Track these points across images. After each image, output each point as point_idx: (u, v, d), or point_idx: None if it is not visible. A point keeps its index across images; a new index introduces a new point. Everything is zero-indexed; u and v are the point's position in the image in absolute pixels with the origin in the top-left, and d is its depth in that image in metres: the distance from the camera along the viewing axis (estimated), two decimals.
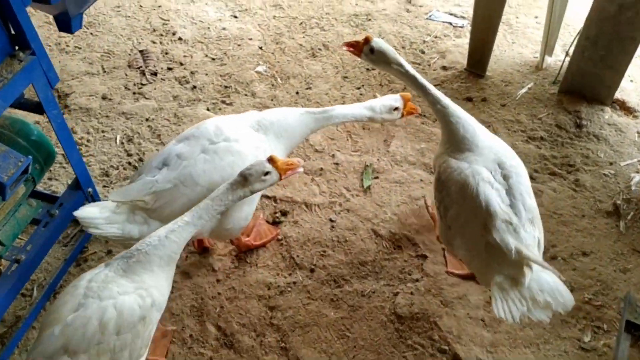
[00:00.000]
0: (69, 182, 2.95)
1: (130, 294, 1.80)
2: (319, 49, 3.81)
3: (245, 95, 3.50)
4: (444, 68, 3.66)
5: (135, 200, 2.07)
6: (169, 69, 3.68)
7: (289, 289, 2.56)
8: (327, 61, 3.72)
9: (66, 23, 2.29)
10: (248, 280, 2.58)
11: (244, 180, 1.98)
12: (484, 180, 2.02)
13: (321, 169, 3.04)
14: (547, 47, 3.51)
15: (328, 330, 2.42)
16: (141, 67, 3.68)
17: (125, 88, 3.55)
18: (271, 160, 2.03)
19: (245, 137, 2.23)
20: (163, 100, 3.48)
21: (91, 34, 3.95)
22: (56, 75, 2.16)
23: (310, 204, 2.87)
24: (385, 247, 2.70)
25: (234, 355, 2.35)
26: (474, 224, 2.02)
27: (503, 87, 3.50)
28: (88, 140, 3.22)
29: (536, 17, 4.04)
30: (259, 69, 3.68)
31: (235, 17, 4.11)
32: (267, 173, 2.00)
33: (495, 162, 2.09)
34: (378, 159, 3.09)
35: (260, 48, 3.83)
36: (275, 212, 2.84)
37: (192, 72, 3.65)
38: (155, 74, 3.64)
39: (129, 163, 3.10)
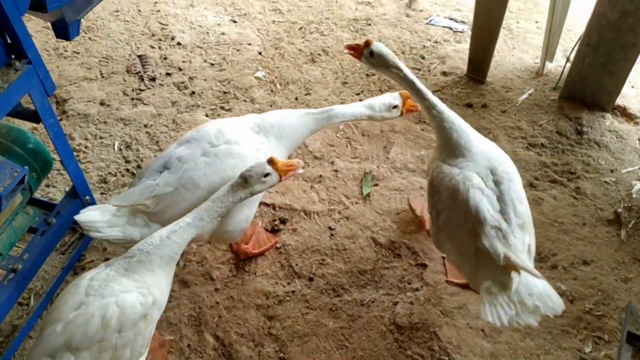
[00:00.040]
0: (67, 188, 2.94)
1: (132, 291, 1.81)
2: (319, 54, 3.79)
3: (244, 101, 3.48)
4: (444, 73, 3.64)
5: (136, 204, 2.06)
6: (168, 74, 3.66)
7: (288, 298, 2.54)
8: (327, 67, 3.71)
9: (64, 30, 2.28)
10: (246, 289, 2.56)
11: (245, 181, 1.99)
12: (475, 187, 2.02)
13: (320, 176, 3.02)
14: (548, 52, 3.50)
15: (327, 340, 2.41)
16: (140, 72, 3.66)
17: (124, 94, 3.54)
18: (271, 161, 2.04)
19: (246, 140, 2.22)
20: (161, 106, 3.46)
21: (89, 38, 3.93)
22: (53, 83, 2.15)
23: (309, 211, 2.86)
24: (385, 256, 2.68)
25: None
26: (464, 230, 2.02)
27: (503, 93, 3.48)
28: (86, 147, 3.20)
29: (537, 22, 4.02)
30: (258, 74, 3.66)
31: (235, 22, 4.09)
32: (267, 174, 2.01)
33: (487, 168, 2.09)
34: (377, 166, 3.07)
35: (260, 53, 3.81)
36: (274, 220, 2.82)
37: (190, 78, 3.63)
38: (153, 79, 3.62)
39: (127, 170, 3.08)
